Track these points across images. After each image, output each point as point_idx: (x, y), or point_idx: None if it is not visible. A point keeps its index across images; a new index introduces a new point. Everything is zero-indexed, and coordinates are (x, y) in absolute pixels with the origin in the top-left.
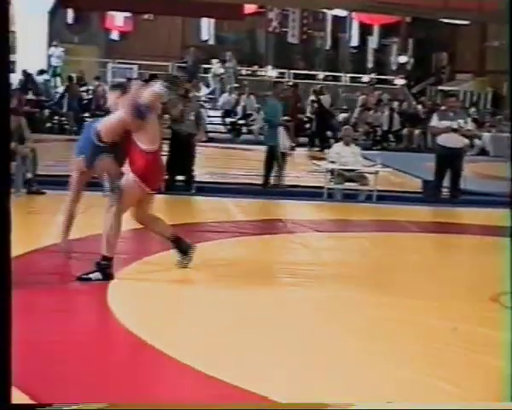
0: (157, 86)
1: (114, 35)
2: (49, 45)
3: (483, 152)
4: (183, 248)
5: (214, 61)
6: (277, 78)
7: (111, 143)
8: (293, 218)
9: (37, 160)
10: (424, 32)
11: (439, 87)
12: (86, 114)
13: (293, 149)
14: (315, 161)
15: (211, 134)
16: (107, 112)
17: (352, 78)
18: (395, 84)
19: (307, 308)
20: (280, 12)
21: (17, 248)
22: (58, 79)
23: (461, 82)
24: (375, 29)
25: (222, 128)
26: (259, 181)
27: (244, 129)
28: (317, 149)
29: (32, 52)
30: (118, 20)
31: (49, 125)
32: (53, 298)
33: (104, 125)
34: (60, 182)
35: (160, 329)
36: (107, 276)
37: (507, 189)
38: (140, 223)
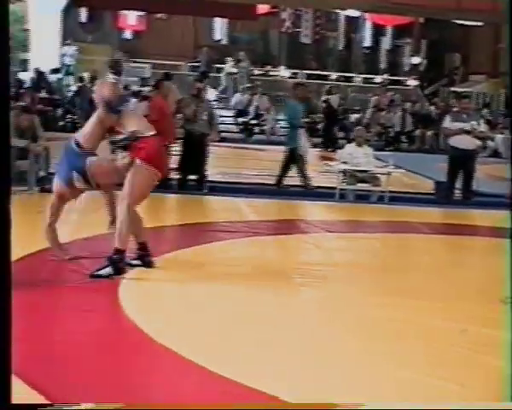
0: (109, 77)
1: (127, 34)
2: (63, 44)
3: (496, 154)
4: (147, 261)
5: (229, 59)
6: (290, 78)
7: (91, 147)
8: (305, 218)
9: (50, 158)
10: (437, 32)
11: (452, 88)
12: None
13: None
14: (327, 162)
15: (223, 134)
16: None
17: (364, 78)
18: (408, 85)
19: (313, 308)
20: (293, 12)
21: (30, 246)
22: (71, 77)
23: (474, 83)
24: (388, 30)
25: (234, 128)
26: (272, 181)
27: (256, 129)
28: (330, 149)
29: (46, 51)
30: (131, 19)
31: (62, 123)
32: (64, 297)
33: (82, 132)
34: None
35: (172, 328)
36: (119, 270)
37: None
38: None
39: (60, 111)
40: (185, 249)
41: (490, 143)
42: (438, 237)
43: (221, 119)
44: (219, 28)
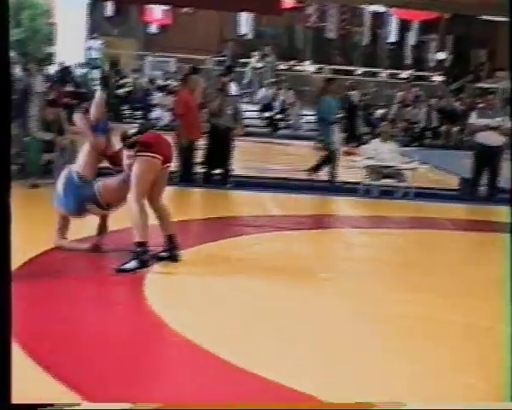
0: (97, 95)
1: (153, 28)
2: (88, 38)
3: None
4: (174, 254)
5: (255, 53)
6: (315, 73)
7: (93, 174)
8: (330, 213)
9: (76, 151)
10: (463, 28)
11: (478, 84)
12: (125, 107)
13: None
14: (351, 157)
15: (248, 128)
16: (146, 104)
17: (389, 74)
18: (433, 81)
19: (337, 304)
20: (318, 7)
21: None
22: (96, 71)
23: (500, 79)
24: (414, 25)
25: (259, 122)
26: (296, 176)
27: (281, 123)
28: (351, 145)
29: (71, 44)
30: (157, 13)
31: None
32: (89, 291)
33: (79, 162)
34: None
35: (198, 322)
36: (144, 263)
37: None
38: (153, 209)
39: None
40: (210, 243)
41: None
42: (462, 234)
43: (246, 113)
44: (245, 22)
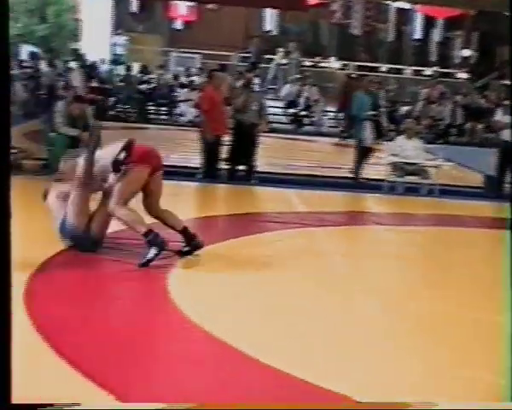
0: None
1: (178, 24)
2: (113, 34)
3: None
4: (195, 243)
5: (279, 49)
6: (340, 69)
7: (86, 220)
8: (354, 210)
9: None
10: (489, 25)
11: (503, 81)
12: (150, 103)
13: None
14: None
15: (272, 125)
16: (170, 101)
17: (414, 71)
18: (458, 78)
19: (360, 301)
20: (343, 3)
21: None
22: (121, 67)
23: None
24: (439, 22)
25: (284, 119)
26: (319, 172)
27: (306, 120)
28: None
29: (97, 40)
30: (182, 9)
31: (112, 113)
32: (113, 287)
33: (71, 214)
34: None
35: (221, 319)
36: (161, 245)
37: None
38: (154, 217)
39: (111, 100)
40: (234, 239)
41: None
42: (486, 231)
43: (270, 109)
44: (269, 19)
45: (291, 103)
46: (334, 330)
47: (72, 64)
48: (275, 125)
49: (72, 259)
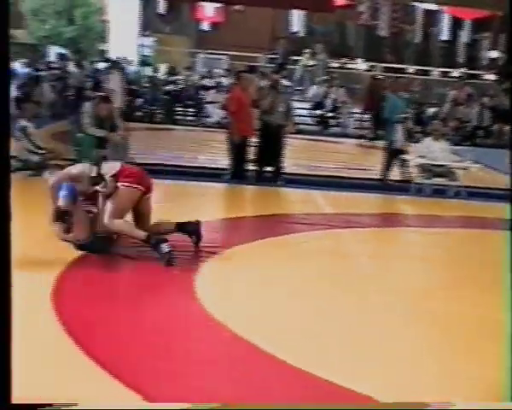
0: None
1: (205, 25)
2: (141, 35)
3: None
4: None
5: (306, 51)
6: (367, 71)
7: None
8: (381, 212)
9: (129, 148)
10: None
11: None
12: (177, 105)
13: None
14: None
15: (299, 126)
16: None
17: (441, 72)
18: (485, 80)
19: (387, 302)
20: (370, 4)
21: None
22: (149, 68)
23: None
24: (466, 23)
25: (310, 120)
26: (346, 174)
27: (333, 121)
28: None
29: (124, 41)
30: (209, 10)
31: (140, 113)
32: (140, 288)
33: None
34: (150, 171)
35: (247, 319)
36: (164, 240)
37: None
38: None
39: (138, 101)
40: (261, 240)
41: None
42: None
43: (297, 111)
44: (296, 20)
45: (318, 105)
46: (356, 330)
47: (110, 68)
48: (301, 126)
49: (98, 259)
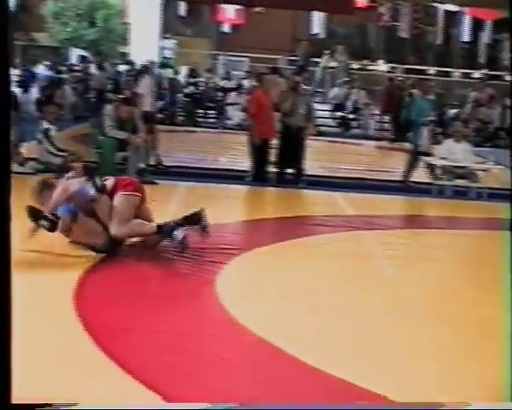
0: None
1: (226, 28)
2: (162, 37)
3: None
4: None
5: (325, 52)
6: (388, 72)
7: None
8: (402, 213)
9: (150, 150)
10: None
11: None
12: (198, 107)
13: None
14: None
15: (320, 128)
16: (218, 105)
17: (463, 73)
18: (507, 81)
19: (407, 304)
20: (391, 6)
21: None
22: (170, 71)
23: None
24: (488, 24)
25: (331, 122)
26: (367, 175)
27: (354, 123)
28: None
29: (145, 44)
30: (229, 12)
31: (161, 116)
32: (161, 290)
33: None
34: (171, 173)
35: (268, 320)
36: (174, 226)
37: None
38: None
39: (159, 104)
40: (282, 242)
41: None
42: None
43: (318, 112)
44: (317, 22)
45: (338, 106)
46: (380, 331)
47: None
48: (322, 128)
49: (120, 261)
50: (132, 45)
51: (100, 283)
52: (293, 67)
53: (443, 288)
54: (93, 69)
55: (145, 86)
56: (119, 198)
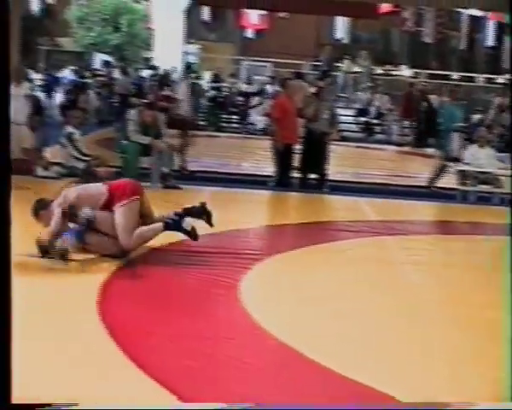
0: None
1: (249, 33)
2: (185, 42)
3: None
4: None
5: (348, 57)
6: (411, 77)
7: None
8: (426, 219)
9: (174, 155)
10: None
11: None
12: (222, 112)
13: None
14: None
15: (343, 133)
16: (242, 109)
17: (486, 78)
18: None
19: (426, 308)
20: (415, 11)
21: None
22: (194, 76)
23: None
24: None
25: (354, 127)
26: (390, 181)
27: (377, 128)
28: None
29: (169, 49)
30: (253, 17)
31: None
32: (184, 294)
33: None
34: (195, 178)
35: (289, 325)
36: (181, 215)
37: None
38: None
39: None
40: (305, 248)
41: None
42: None
43: (341, 118)
44: (341, 27)
45: (362, 111)
46: (399, 336)
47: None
48: (345, 133)
49: (142, 266)
50: (156, 50)
51: (123, 286)
52: (317, 73)
53: (464, 293)
54: (117, 74)
55: (182, 92)
56: (119, 211)
